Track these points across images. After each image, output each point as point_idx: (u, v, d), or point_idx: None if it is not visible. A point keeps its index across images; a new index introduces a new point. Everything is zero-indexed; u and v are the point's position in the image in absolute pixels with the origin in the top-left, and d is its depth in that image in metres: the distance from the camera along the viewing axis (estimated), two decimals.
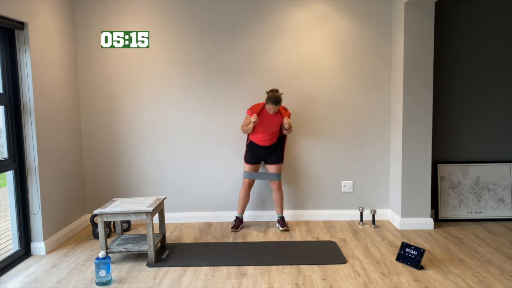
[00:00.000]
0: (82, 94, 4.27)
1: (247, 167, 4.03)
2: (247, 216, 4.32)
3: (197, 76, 4.24)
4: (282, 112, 3.91)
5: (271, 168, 4.02)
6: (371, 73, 4.23)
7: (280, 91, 3.85)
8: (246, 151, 4.03)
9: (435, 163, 4.26)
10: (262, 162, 4.11)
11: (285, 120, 3.83)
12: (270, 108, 3.80)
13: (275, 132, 3.96)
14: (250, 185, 4.08)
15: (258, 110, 3.86)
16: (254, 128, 3.88)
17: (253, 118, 3.78)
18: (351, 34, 4.20)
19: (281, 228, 4.03)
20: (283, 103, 3.93)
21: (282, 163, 4.11)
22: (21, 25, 3.35)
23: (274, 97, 3.76)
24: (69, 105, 4.06)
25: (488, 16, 4.19)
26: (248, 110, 3.92)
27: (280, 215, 4.11)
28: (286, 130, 3.90)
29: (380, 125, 4.29)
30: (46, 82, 3.65)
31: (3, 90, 3.32)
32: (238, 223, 4.09)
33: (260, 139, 3.94)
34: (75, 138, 4.19)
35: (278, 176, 4.03)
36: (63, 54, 3.96)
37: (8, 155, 3.39)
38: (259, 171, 4.12)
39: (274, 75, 4.21)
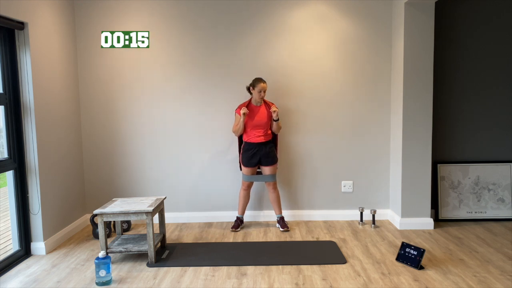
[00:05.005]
0: (82, 94, 4.27)
1: (245, 170, 4.03)
2: (247, 216, 4.32)
3: (197, 76, 4.24)
4: (268, 104, 3.97)
5: (266, 170, 4.02)
6: (371, 73, 4.23)
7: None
8: (242, 154, 4.02)
9: (435, 163, 4.26)
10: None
11: (273, 108, 3.86)
12: (261, 89, 3.85)
13: (267, 125, 3.95)
14: (249, 186, 4.08)
15: (245, 106, 3.94)
16: (245, 125, 3.93)
17: (243, 110, 3.83)
18: (351, 34, 4.20)
19: (281, 229, 4.02)
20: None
21: (277, 166, 4.12)
22: (21, 25, 3.35)
23: (259, 77, 3.89)
24: (69, 105, 4.06)
25: (488, 16, 4.19)
26: (236, 110, 3.99)
27: (279, 215, 4.10)
28: (275, 121, 3.90)
29: (380, 125, 4.29)
30: (46, 82, 3.65)
31: (3, 90, 3.32)
32: (238, 223, 4.09)
33: (254, 136, 3.94)
34: (75, 138, 4.19)
35: (273, 177, 4.03)
36: (63, 54, 3.96)
37: (8, 155, 3.39)
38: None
39: (274, 74, 4.21)
